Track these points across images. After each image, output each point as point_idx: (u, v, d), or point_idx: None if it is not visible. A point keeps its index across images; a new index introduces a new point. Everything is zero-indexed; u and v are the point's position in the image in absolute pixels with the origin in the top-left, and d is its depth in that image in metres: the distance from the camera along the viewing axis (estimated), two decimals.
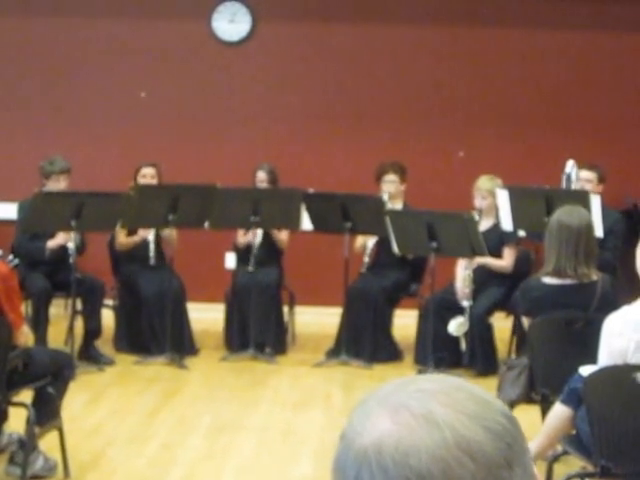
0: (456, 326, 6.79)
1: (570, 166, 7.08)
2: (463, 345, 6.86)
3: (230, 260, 8.46)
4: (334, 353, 7.29)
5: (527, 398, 4.81)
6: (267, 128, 8.72)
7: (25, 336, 4.76)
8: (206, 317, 7.85)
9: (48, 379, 4.68)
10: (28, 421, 4.57)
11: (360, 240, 7.51)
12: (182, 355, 7.14)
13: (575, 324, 4.75)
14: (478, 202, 7.09)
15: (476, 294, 6.88)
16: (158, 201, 7.07)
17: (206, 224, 7.32)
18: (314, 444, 5.36)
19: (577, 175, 7.06)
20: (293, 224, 7.38)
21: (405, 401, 0.99)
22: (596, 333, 4.05)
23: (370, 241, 7.49)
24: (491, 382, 5.48)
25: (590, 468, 3.92)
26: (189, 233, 7.63)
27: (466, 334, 6.82)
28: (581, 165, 7.04)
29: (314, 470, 4.99)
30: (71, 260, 6.84)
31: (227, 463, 5.11)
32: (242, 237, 7.69)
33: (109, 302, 7.52)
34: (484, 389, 1.03)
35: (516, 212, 6.67)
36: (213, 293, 8.04)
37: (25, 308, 6.83)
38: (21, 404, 4.64)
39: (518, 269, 6.96)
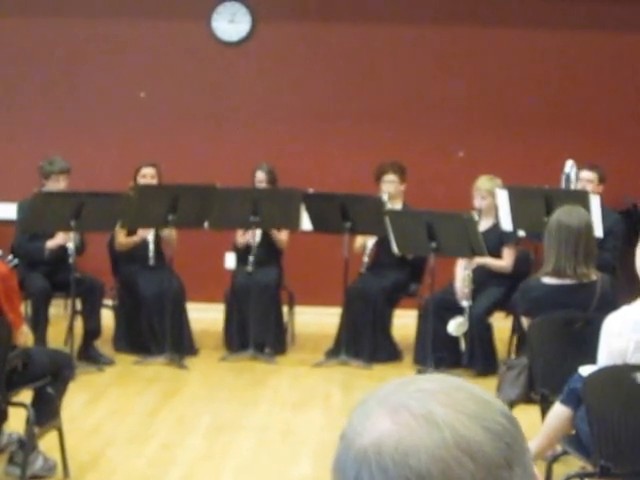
0: (456, 326, 6.79)
1: (569, 166, 7.08)
2: (463, 345, 6.86)
3: (230, 260, 8.46)
4: (334, 353, 7.28)
5: (527, 398, 4.81)
6: (267, 128, 8.72)
7: (25, 336, 4.75)
8: (206, 317, 7.85)
9: (48, 379, 4.68)
10: (28, 421, 4.56)
11: (360, 240, 7.51)
12: (182, 355, 7.14)
13: (575, 324, 4.74)
14: (478, 202, 7.09)
15: (476, 294, 6.88)
16: (158, 201, 7.06)
17: (206, 224, 7.32)
18: (314, 444, 5.36)
19: (577, 175, 7.07)
20: (293, 224, 7.38)
21: (405, 401, 0.99)
22: (595, 333, 4.04)
23: (370, 241, 7.49)
24: (491, 382, 5.47)
25: (589, 468, 3.92)
26: (189, 233, 7.62)
27: (466, 334, 6.82)
28: (582, 165, 7.04)
29: (314, 470, 4.99)
30: (71, 260, 6.83)
31: (226, 463, 5.11)
32: (241, 237, 7.70)
33: (109, 302, 7.51)
34: (484, 389, 1.03)
35: (516, 212, 6.67)
36: (213, 293, 8.03)
37: (25, 308, 6.83)
38: (21, 404, 4.63)
39: (518, 269, 6.96)
